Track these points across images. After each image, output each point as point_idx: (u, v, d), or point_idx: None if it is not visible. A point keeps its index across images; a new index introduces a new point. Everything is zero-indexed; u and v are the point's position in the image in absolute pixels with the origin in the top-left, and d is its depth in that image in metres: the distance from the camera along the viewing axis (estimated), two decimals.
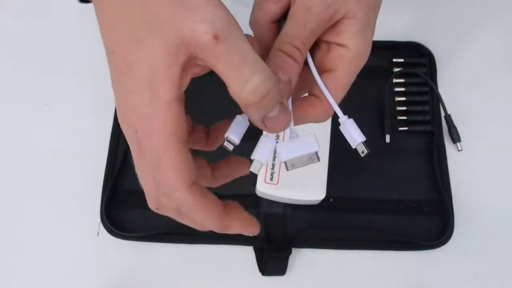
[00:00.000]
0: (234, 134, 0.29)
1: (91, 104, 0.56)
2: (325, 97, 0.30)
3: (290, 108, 0.30)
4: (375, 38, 0.55)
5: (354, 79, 0.31)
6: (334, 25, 0.30)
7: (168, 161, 0.25)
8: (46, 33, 0.60)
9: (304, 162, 0.30)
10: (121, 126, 0.26)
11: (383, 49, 0.58)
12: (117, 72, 0.26)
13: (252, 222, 0.30)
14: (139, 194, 0.52)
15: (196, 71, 0.26)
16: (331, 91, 0.30)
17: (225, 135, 0.29)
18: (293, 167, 0.30)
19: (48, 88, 0.57)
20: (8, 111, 0.56)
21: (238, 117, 0.30)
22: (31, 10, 0.61)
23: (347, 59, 0.30)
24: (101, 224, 0.51)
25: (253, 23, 0.32)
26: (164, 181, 0.25)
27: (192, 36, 0.24)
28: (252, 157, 0.30)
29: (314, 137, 0.30)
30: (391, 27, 0.59)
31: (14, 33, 0.60)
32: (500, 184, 0.53)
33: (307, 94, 0.32)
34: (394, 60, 0.57)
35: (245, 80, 0.24)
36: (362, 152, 0.31)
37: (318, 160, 0.30)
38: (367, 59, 0.31)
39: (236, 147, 0.30)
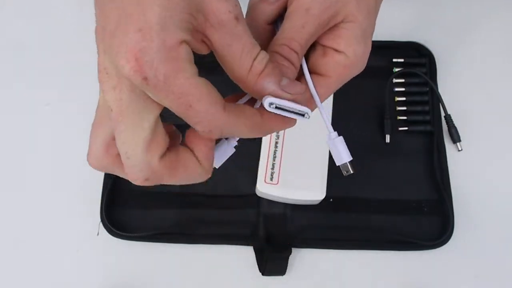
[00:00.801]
0: (216, 157, 0.29)
1: (91, 104, 0.56)
2: (310, 97, 0.30)
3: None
4: (375, 38, 0.55)
5: (345, 82, 0.31)
6: (332, 28, 0.29)
7: (197, 94, 0.23)
8: (46, 33, 0.60)
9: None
10: (107, 72, 0.24)
11: (383, 49, 0.58)
12: (113, 16, 0.23)
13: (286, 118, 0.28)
14: (139, 194, 0.53)
15: (199, 47, 0.25)
16: (319, 94, 0.30)
17: None
18: (347, 172, 0.31)
19: (48, 88, 0.57)
20: (8, 111, 0.56)
21: (223, 141, 0.29)
22: (31, 10, 0.61)
23: (343, 66, 0.29)
24: (101, 224, 0.51)
25: (247, 23, 0.32)
26: (201, 116, 0.24)
27: (215, 11, 0.24)
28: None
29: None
30: (391, 27, 0.59)
31: (14, 33, 0.60)
32: (500, 184, 0.53)
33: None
34: (394, 60, 0.57)
35: (255, 55, 0.25)
36: (346, 172, 0.30)
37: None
38: (364, 65, 0.30)
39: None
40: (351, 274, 0.50)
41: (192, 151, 0.27)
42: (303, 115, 0.27)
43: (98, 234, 0.51)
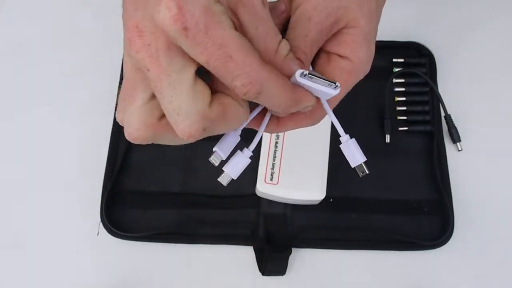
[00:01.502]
0: (222, 149, 0.29)
1: (91, 104, 0.56)
2: (320, 105, 0.30)
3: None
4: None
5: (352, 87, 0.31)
6: (335, 34, 0.29)
7: (237, 46, 0.23)
8: (46, 33, 0.60)
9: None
10: (143, 30, 0.23)
11: (383, 49, 0.58)
12: None
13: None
14: (139, 194, 0.53)
15: (229, 22, 0.25)
16: (327, 103, 0.30)
17: (214, 149, 0.29)
18: (362, 173, 0.31)
19: (48, 88, 0.57)
20: (8, 111, 0.56)
21: (238, 152, 0.30)
22: (31, 10, 0.61)
23: (348, 71, 0.29)
24: (101, 224, 0.51)
25: None
26: (240, 67, 0.24)
27: None
28: (224, 168, 0.30)
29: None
30: (391, 27, 0.59)
31: (14, 33, 0.60)
32: (500, 184, 0.53)
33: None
34: (394, 60, 0.57)
35: (279, 39, 0.26)
36: (362, 172, 0.31)
37: (367, 172, 0.31)
38: (369, 69, 0.31)
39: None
40: (351, 274, 0.50)
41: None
42: (333, 86, 0.28)
43: (98, 234, 0.51)
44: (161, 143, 0.28)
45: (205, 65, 0.24)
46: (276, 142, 0.49)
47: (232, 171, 0.30)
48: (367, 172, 0.31)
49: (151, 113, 0.26)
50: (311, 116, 0.31)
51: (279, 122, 0.31)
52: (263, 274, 0.49)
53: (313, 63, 0.31)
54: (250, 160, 0.30)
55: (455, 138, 0.54)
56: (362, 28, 0.29)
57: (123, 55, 0.26)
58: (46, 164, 0.54)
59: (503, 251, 0.51)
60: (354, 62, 0.29)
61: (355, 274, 0.50)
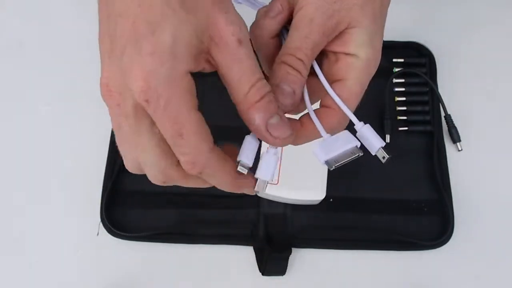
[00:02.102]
0: (247, 156, 0.29)
1: (91, 104, 0.56)
2: (338, 105, 0.30)
3: (315, 119, 0.30)
4: None
5: (366, 87, 0.31)
6: (339, 36, 0.29)
7: (191, 126, 0.25)
8: (46, 33, 0.60)
9: (346, 157, 0.30)
10: (111, 90, 0.25)
11: (383, 49, 0.57)
12: (122, 32, 0.24)
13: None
14: (139, 194, 0.53)
15: (203, 67, 0.26)
16: (343, 99, 0.30)
17: (238, 159, 0.29)
18: (336, 164, 0.30)
19: (49, 88, 0.57)
20: (8, 111, 0.56)
21: (247, 137, 0.29)
22: (31, 10, 0.61)
23: (356, 67, 0.29)
24: (101, 224, 0.51)
25: (253, 39, 0.31)
26: (187, 147, 0.25)
27: (220, 33, 0.25)
28: (256, 176, 0.29)
29: (349, 133, 0.30)
30: (391, 27, 0.58)
31: (14, 33, 0.60)
32: (500, 184, 0.53)
33: (318, 106, 0.31)
34: (394, 60, 0.57)
35: (253, 82, 0.26)
36: (383, 158, 0.30)
37: (361, 153, 0.30)
38: (377, 66, 0.31)
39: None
40: (351, 274, 0.50)
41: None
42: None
43: (98, 234, 0.51)
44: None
45: (163, 133, 0.25)
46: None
47: (267, 174, 0.30)
48: (388, 156, 0.30)
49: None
50: (332, 114, 0.31)
51: (302, 129, 0.31)
52: (263, 274, 0.49)
53: (322, 66, 0.31)
54: (259, 141, 0.30)
55: (455, 138, 0.54)
56: (365, 28, 0.29)
57: None
58: (46, 164, 0.54)
59: (503, 251, 0.51)
60: (361, 58, 0.29)
61: (355, 274, 0.50)
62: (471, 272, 0.50)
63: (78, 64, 0.58)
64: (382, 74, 0.56)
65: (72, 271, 0.50)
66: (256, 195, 0.51)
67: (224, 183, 0.28)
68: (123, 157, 0.29)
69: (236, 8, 0.27)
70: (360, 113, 0.55)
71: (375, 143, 0.30)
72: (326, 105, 0.31)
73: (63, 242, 0.51)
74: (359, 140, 0.30)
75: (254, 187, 0.29)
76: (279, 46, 0.31)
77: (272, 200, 0.51)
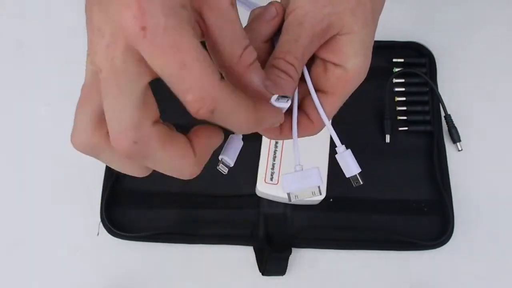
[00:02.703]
0: (229, 156, 0.29)
1: None
2: (318, 117, 0.30)
3: (296, 121, 0.30)
4: (375, 38, 0.55)
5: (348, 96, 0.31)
6: (329, 41, 0.29)
7: (195, 54, 0.22)
8: (46, 33, 0.60)
9: (306, 194, 0.31)
10: (103, 31, 0.22)
11: (383, 49, 0.58)
12: None
13: (277, 111, 0.27)
14: (139, 194, 0.53)
15: (193, 28, 0.24)
16: (325, 113, 0.30)
17: (220, 157, 0.29)
18: (296, 199, 0.31)
19: (48, 88, 0.57)
20: (8, 111, 0.56)
21: (232, 136, 0.29)
22: (31, 10, 0.61)
23: (344, 81, 0.29)
24: (101, 224, 0.51)
25: None
26: (193, 80, 0.22)
27: None
28: (220, 157, 0.29)
29: (318, 171, 0.31)
30: (391, 27, 0.59)
31: (14, 33, 0.60)
32: (500, 184, 0.53)
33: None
34: (394, 60, 0.57)
35: (245, 45, 0.26)
36: (356, 183, 0.31)
37: (321, 194, 0.31)
38: (365, 76, 0.30)
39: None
40: (351, 274, 0.50)
41: (191, 141, 0.26)
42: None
43: (98, 234, 0.51)
44: (101, 159, 0.27)
45: (160, 73, 0.22)
46: (276, 142, 0.49)
47: (230, 160, 0.30)
48: (361, 183, 0.31)
49: (97, 121, 0.25)
50: (310, 127, 0.31)
51: (281, 131, 0.31)
52: (263, 274, 0.49)
53: (310, 70, 0.31)
54: (242, 143, 0.30)
55: (455, 138, 0.54)
56: (356, 34, 0.29)
57: (86, 60, 0.25)
58: (46, 164, 0.54)
59: (503, 251, 0.51)
60: (349, 70, 0.29)
61: (355, 274, 0.50)
62: (471, 272, 0.50)
63: (78, 64, 0.58)
64: (382, 74, 0.56)
65: (72, 271, 0.50)
66: (256, 195, 0.51)
67: (243, 118, 0.24)
68: (77, 121, 0.26)
69: None
70: (360, 113, 0.56)
71: (353, 169, 0.31)
72: (305, 111, 0.31)
73: (63, 242, 0.51)
74: (337, 161, 0.32)
75: (279, 117, 0.27)
76: (270, 50, 0.30)
77: (272, 200, 0.51)
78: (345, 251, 0.51)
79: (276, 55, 0.29)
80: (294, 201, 0.31)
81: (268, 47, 0.31)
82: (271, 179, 0.48)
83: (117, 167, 0.27)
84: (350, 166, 0.31)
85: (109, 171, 0.52)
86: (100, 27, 0.23)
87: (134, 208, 0.52)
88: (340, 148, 0.32)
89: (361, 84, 0.53)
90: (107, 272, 0.50)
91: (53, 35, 0.60)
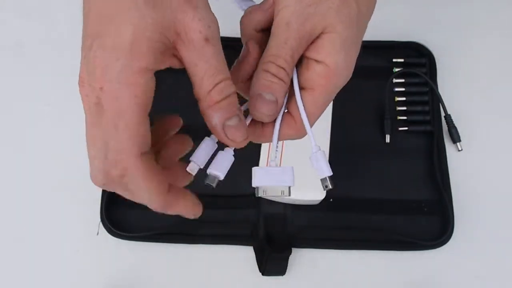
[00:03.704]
0: (198, 158, 0.30)
1: None
2: (301, 118, 0.30)
3: (279, 123, 0.30)
4: (375, 38, 0.55)
5: (333, 96, 0.30)
6: (314, 40, 0.29)
7: (127, 123, 0.25)
8: (46, 33, 0.60)
9: (275, 193, 0.30)
10: (83, 81, 0.25)
11: (383, 49, 0.58)
12: (93, 27, 0.25)
13: (196, 205, 0.30)
14: None
15: (170, 63, 0.26)
16: (307, 111, 0.30)
17: (190, 158, 0.29)
18: (264, 194, 0.31)
19: (49, 88, 0.57)
20: (9, 111, 0.56)
21: (206, 139, 0.30)
22: (31, 10, 0.61)
23: (323, 76, 0.29)
24: (101, 224, 0.51)
25: (241, 28, 0.32)
26: (116, 143, 0.25)
27: (186, 29, 0.25)
28: (208, 171, 0.30)
29: (292, 171, 0.31)
30: (391, 27, 0.59)
31: (14, 33, 0.60)
32: (500, 184, 0.53)
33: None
34: (394, 60, 0.57)
35: (217, 81, 0.26)
36: (326, 186, 0.31)
37: (289, 195, 0.30)
38: (349, 75, 0.30)
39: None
40: (351, 274, 0.50)
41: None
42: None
43: (98, 234, 0.51)
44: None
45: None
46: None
47: (221, 170, 0.30)
48: (331, 187, 0.31)
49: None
50: (294, 128, 0.31)
51: (263, 130, 0.31)
52: (263, 274, 0.49)
53: (296, 68, 0.31)
54: (233, 158, 0.30)
55: (455, 138, 0.54)
56: (339, 33, 0.29)
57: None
58: (46, 164, 0.54)
59: (503, 251, 0.51)
60: (330, 66, 0.29)
61: (355, 274, 0.50)
62: (471, 272, 0.50)
63: (78, 64, 0.58)
64: (382, 74, 0.56)
65: (72, 270, 0.50)
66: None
67: (149, 196, 0.28)
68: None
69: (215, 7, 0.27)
70: (360, 113, 0.56)
71: (324, 171, 0.31)
72: (291, 112, 0.31)
73: (63, 242, 0.51)
74: (311, 162, 0.31)
75: (182, 209, 0.30)
76: (263, 43, 0.31)
77: (272, 200, 0.51)
78: (345, 251, 0.51)
79: (266, 58, 0.29)
80: (261, 195, 0.30)
81: (261, 38, 0.31)
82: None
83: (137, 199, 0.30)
84: (322, 168, 0.31)
85: None
86: (81, 74, 0.26)
87: (134, 208, 0.51)
88: (314, 148, 0.31)
89: (361, 84, 0.53)
90: (107, 272, 0.50)
91: (53, 35, 0.60)
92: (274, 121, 0.31)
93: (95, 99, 0.25)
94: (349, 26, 0.29)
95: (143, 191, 0.27)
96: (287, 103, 0.31)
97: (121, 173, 0.26)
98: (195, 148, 0.30)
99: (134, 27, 0.24)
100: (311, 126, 0.31)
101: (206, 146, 0.30)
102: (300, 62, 0.30)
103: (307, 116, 0.30)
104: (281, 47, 0.29)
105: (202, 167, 0.30)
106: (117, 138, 0.25)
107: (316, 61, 0.29)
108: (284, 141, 0.49)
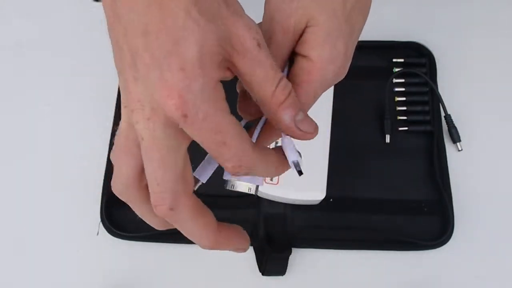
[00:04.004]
0: (201, 174, 0.30)
1: (91, 104, 0.56)
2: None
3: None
4: (375, 38, 0.55)
5: (321, 91, 0.30)
6: (301, 36, 0.29)
7: (232, 133, 0.24)
8: (46, 33, 0.60)
9: (242, 188, 0.31)
10: (143, 104, 0.24)
11: (383, 49, 0.58)
12: (152, 50, 0.24)
13: (246, 240, 0.31)
14: None
15: (225, 75, 0.26)
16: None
17: (194, 174, 0.30)
18: (232, 188, 0.31)
19: (49, 88, 0.57)
20: (9, 111, 0.56)
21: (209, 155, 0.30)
22: (31, 10, 0.61)
23: (308, 71, 0.29)
24: (101, 224, 0.51)
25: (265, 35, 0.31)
26: (233, 152, 0.25)
27: (241, 40, 0.25)
28: (194, 174, 0.30)
29: None
30: (391, 27, 0.59)
31: (14, 33, 0.60)
32: (500, 184, 0.53)
33: None
34: (394, 60, 0.57)
35: (277, 81, 0.26)
36: (298, 172, 0.31)
37: (256, 193, 0.31)
38: (340, 69, 0.29)
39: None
40: (351, 274, 0.50)
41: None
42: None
43: (98, 234, 0.51)
44: (131, 206, 0.30)
45: (200, 144, 0.25)
46: (276, 142, 0.49)
47: (201, 175, 0.31)
48: (301, 172, 0.31)
49: (136, 176, 0.28)
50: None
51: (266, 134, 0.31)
52: (263, 274, 0.49)
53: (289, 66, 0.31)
54: (217, 164, 0.30)
55: (455, 138, 0.54)
56: (321, 26, 0.28)
57: (122, 109, 0.27)
58: (46, 164, 0.54)
59: (503, 251, 0.51)
60: (314, 60, 0.28)
61: (355, 274, 0.50)
62: (471, 272, 0.50)
63: (78, 64, 0.58)
64: (382, 74, 0.56)
65: (72, 271, 0.50)
66: (256, 195, 0.50)
67: (270, 173, 0.28)
68: (117, 170, 0.29)
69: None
70: (360, 113, 0.56)
71: (290, 156, 0.30)
72: None
73: (63, 242, 0.51)
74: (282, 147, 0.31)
75: (231, 247, 0.31)
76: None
77: (272, 200, 0.51)
78: (345, 251, 0.51)
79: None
80: (229, 188, 0.31)
81: None
82: (271, 179, 0.48)
83: (144, 217, 0.31)
84: (288, 153, 0.30)
85: (109, 172, 0.52)
86: (139, 98, 0.24)
87: None
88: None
89: (361, 84, 0.53)
90: (107, 272, 0.50)
91: (53, 35, 0.60)
92: None
93: (163, 121, 0.24)
94: (332, 17, 0.29)
95: (194, 227, 0.29)
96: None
97: (172, 205, 0.27)
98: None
99: (198, 44, 0.23)
100: None
101: (208, 164, 0.30)
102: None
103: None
104: (268, 42, 0.28)
105: (204, 182, 0.31)
106: (229, 148, 0.25)
107: (302, 55, 0.29)
108: (284, 142, 0.49)
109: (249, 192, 0.31)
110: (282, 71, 0.30)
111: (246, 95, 0.29)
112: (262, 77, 0.26)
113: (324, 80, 0.29)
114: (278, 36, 0.29)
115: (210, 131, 0.24)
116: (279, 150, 0.29)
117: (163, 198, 0.26)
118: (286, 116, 0.27)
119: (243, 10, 0.26)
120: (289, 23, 0.28)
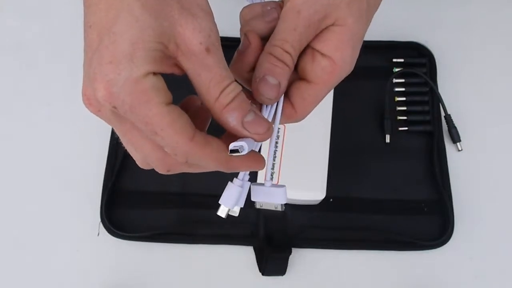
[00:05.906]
0: (226, 202, 0.31)
1: None
2: (302, 106, 0.31)
3: (280, 109, 0.31)
4: (375, 38, 0.55)
5: (332, 88, 0.31)
6: (323, 31, 0.29)
7: (162, 123, 0.25)
8: (46, 33, 0.60)
9: (270, 206, 0.33)
10: (89, 98, 0.26)
11: (383, 49, 0.58)
12: (93, 46, 0.25)
13: (258, 159, 0.30)
14: (139, 194, 0.53)
15: (172, 71, 0.26)
16: (306, 102, 0.30)
17: (219, 202, 0.31)
18: (261, 207, 0.33)
19: (49, 88, 0.57)
20: (9, 111, 0.56)
21: (229, 184, 0.31)
22: (31, 10, 0.61)
23: (329, 72, 0.29)
24: (101, 224, 0.51)
25: (240, 20, 0.31)
26: (166, 142, 0.26)
27: (186, 42, 0.25)
28: (220, 202, 0.31)
29: (285, 191, 0.32)
30: (391, 27, 0.59)
31: (14, 33, 0.60)
32: (500, 184, 0.53)
33: None
34: (394, 60, 0.57)
35: (223, 88, 0.26)
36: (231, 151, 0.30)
37: (282, 209, 0.32)
38: (351, 70, 0.30)
39: None
40: (351, 274, 0.50)
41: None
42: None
43: (98, 234, 0.51)
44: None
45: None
46: (276, 142, 0.49)
47: (227, 202, 0.31)
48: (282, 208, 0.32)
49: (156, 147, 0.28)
50: (293, 116, 0.31)
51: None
52: (263, 274, 0.49)
53: (299, 58, 0.31)
54: (241, 188, 0.31)
55: (455, 138, 0.54)
56: (349, 27, 0.29)
57: None
58: (46, 164, 0.54)
59: (503, 251, 0.51)
60: (336, 62, 0.29)
61: (355, 274, 0.50)
62: (471, 272, 0.50)
63: (78, 64, 0.58)
64: (382, 74, 0.56)
65: (72, 271, 0.50)
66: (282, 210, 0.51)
67: (213, 166, 0.28)
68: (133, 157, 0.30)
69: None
70: (360, 113, 0.56)
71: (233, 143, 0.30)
72: (290, 99, 0.31)
73: (63, 242, 0.51)
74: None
75: (247, 167, 0.30)
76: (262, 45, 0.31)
77: None
78: (345, 251, 0.51)
79: (273, 42, 0.29)
80: (259, 207, 0.33)
81: (263, 44, 0.31)
82: (271, 179, 0.48)
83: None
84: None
85: (109, 171, 0.52)
86: (85, 92, 0.26)
87: (134, 208, 0.52)
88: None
89: (361, 84, 0.53)
90: (107, 272, 0.50)
91: (53, 35, 0.60)
92: (275, 115, 0.31)
93: (109, 112, 0.26)
94: (359, 20, 0.29)
95: (207, 164, 0.28)
96: (288, 90, 0.31)
97: (184, 160, 0.27)
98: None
99: (132, 40, 0.24)
100: (307, 115, 0.31)
101: (232, 190, 0.31)
102: (303, 51, 0.30)
103: (305, 106, 0.31)
104: (290, 33, 0.29)
105: (232, 208, 0.31)
106: (164, 139, 0.26)
107: (322, 54, 0.29)
108: (284, 141, 0.49)
109: (276, 209, 0.32)
110: (295, 62, 0.30)
111: (240, 59, 0.30)
112: (207, 81, 0.26)
113: (340, 79, 0.30)
114: (302, 28, 0.29)
115: (140, 122, 0.25)
116: (228, 139, 0.28)
117: (165, 168, 0.28)
118: (230, 119, 0.27)
119: (202, 12, 0.26)
120: (317, 18, 0.29)
